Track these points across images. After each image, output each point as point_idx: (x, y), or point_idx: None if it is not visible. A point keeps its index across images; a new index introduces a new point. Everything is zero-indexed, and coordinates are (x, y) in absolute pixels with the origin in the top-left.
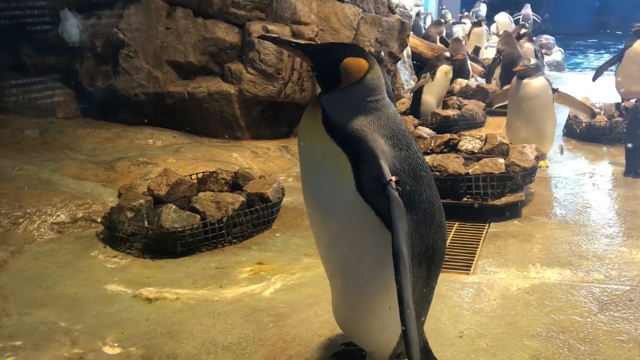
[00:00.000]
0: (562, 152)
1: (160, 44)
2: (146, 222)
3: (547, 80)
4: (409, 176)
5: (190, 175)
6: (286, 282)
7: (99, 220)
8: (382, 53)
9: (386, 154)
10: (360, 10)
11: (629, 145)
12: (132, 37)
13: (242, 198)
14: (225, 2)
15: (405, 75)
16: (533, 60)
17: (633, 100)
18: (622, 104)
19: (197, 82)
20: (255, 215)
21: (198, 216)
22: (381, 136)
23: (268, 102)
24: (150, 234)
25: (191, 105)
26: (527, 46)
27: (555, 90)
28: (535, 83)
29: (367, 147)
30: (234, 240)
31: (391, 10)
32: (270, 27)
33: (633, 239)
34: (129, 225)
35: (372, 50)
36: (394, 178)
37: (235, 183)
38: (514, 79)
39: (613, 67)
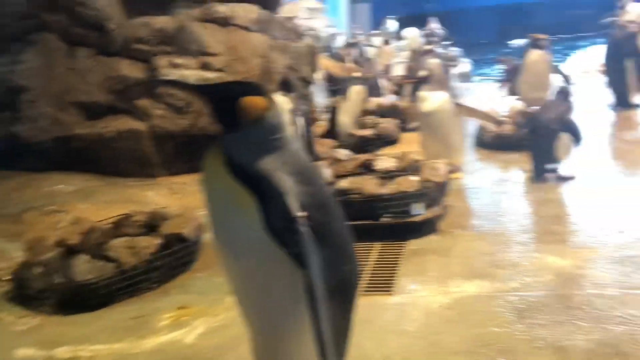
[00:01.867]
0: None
1: (63, 86)
2: (57, 276)
3: (450, 94)
4: (317, 211)
5: (104, 220)
6: (209, 325)
7: (5, 278)
8: (292, 79)
9: (292, 190)
10: (269, 38)
11: (533, 151)
12: (31, 82)
13: (158, 240)
14: (128, 39)
15: (320, 98)
16: (425, 73)
17: (535, 107)
18: (527, 111)
19: (105, 121)
20: (174, 257)
21: (112, 265)
22: (286, 173)
23: (182, 136)
24: (62, 289)
25: (101, 146)
26: (433, 62)
27: (458, 105)
28: (434, 98)
29: (272, 186)
30: (152, 286)
31: (299, 35)
32: (177, 60)
33: (545, 244)
34: (39, 281)
35: (283, 77)
36: (301, 214)
37: (152, 224)
38: (418, 95)
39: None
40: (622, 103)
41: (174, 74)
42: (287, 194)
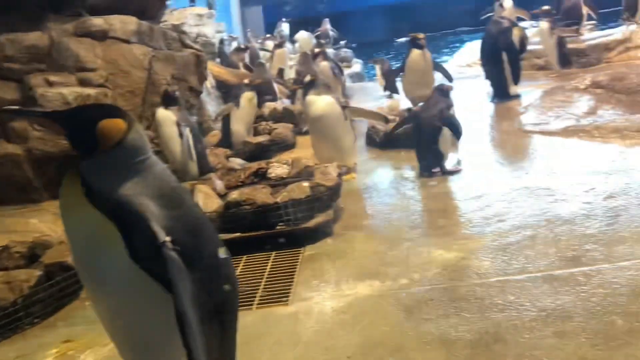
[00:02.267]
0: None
1: None
2: None
3: (342, 95)
4: (186, 234)
5: None
6: (97, 356)
7: None
8: (177, 92)
9: (156, 215)
10: (150, 49)
11: (417, 148)
12: None
13: (38, 272)
14: None
15: (213, 107)
16: (310, 77)
17: (420, 105)
18: (412, 109)
19: None
20: (57, 288)
21: None
22: (149, 198)
23: (64, 157)
24: None
25: None
26: (323, 64)
27: (345, 107)
28: (319, 102)
29: (134, 212)
30: (35, 321)
31: (184, 44)
32: (53, 78)
33: (430, 238)
34: None
35: (169, 88)
36: (168, 239)
37: (33, 254)
38: (305, 99)
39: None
40: (501, 95)
41: (47, 95)
42: (151, 219)
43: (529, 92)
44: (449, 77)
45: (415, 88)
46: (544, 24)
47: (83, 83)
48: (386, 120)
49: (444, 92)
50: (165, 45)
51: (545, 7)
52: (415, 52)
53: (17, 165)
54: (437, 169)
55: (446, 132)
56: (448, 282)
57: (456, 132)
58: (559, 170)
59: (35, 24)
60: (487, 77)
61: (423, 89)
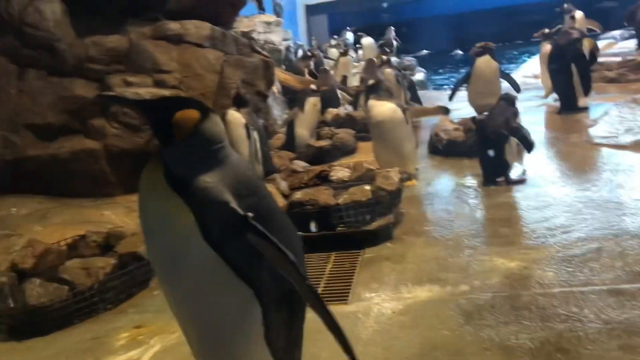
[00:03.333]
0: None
1: (14, 108)
2: (10, 301)
3: (398, 102)
4: (261, 221)
5: (59, 242)
6: (165, 343)
7: None
8: (247, 94)
9: (233, 201)
10: (222, 53)
11: (482, 156)
12: None
13: (113, 260)
14: (80, 59)
15: (278, 111)
16: (373, 81)
17: (485, 114)
18: (476, 118)
19: (59, 142)
20: (130, 276)
21: (66, 287)
22: (226, 185)
23: (138, 153)
24: (15, 314)
25: (55, 167)
26: (388, 71)
27: (405, 110)
28: (380, 107)
29: (211, 195)
30: (109, 306)
31: (254, 50)
32: (131, 79)
33: (493, 247)
34: None
35: (241, 91)
36: (250, 214)
37: (108, 244)
38: (367, 105)
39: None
40: (569, 107)
41: (125, 92)
42: (229, 201)
43: (598, 104)
44: (516, 87)
45: (480, 97)
46: None
47: (158, 84)
48: (447, 111)
49: (509, 101)
50: (236, 51)
51: None
52: (482, 60)
53: (95, 160)
54: (501, 179)
55: (512, 141)
56: (509, 291)
57: (526, 142)
58: (628, 184)
59: (116, 27)
60: (555, 89)
61: (488, 98)
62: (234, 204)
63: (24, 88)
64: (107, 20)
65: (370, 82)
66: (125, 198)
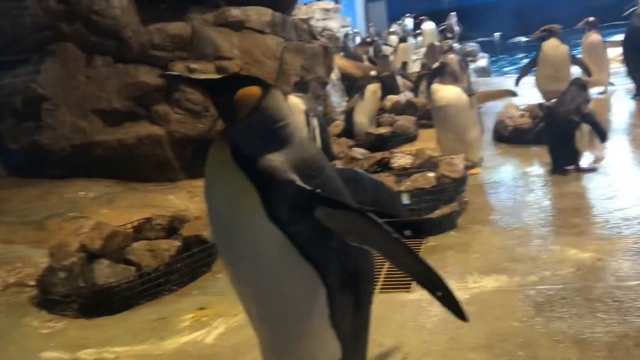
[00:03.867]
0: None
1: (83, 94)
2: (80, 281)
3: (462, 87)
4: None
5: (125, 224)
6: (229, 325)
7: (31, 284)
8: (307, 80)
9: (298, 179)
10: (283, 40)
11: (551, 144)
12: (52, 91)
13: (177, 243)
14: (144, 46)
15: (337, 98)
16: (439, 64)
17: (554, 100)
18: (545, 104)
19: (125, 128)
20: (193, 259)
21: (133, 268)
22: (291, 165)
23: (200, 140)
24: (85, 293)
25: (121, 152)
26: (450, 57)
27: (471, 95)
28: (445, 91)
29: (279, 175)
30: (173, 288)
31: (313, 36)
32: (193, 65)
33: (563, 237)
34: (62, 286)
35: (298, 78)
36: (317, 190)
37: (172, 227)
38: (431, 89)
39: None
40: None
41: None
42: (297, 180)
43: None
44: (587, 71)
45: (548, 82)
46: None
47: (220, 71)
48: (513, 94)
49: (581, 86)
50: (296, 37)
51: None
52: (549, 44)
53: (159, 145)
54: (571, 167)
55: (584, 128)
56: (582, 282)
57: (599, 130)
58: None
59: (179, 14)
60: (630, 74)
61: (557, 84)
62: (300, 182)
63: (91, 75)
64: (171, 8)
65: (436, 64)
66: (188, 183)
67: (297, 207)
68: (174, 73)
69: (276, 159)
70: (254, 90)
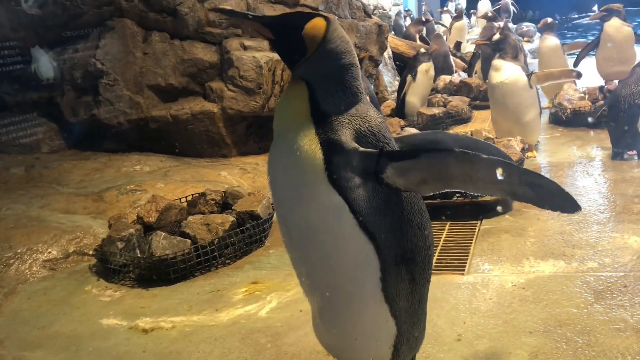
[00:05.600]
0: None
1: (140, 70)
2: (137, 252)
3: (522, 65)
4: None
5: (180, 198)
6: (281, 299)
7: (91, 253)
8: (361, 58)
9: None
10: (336, 17)
11: (613, 128)
12: (110, 66)
13: (231, 218)
14: (200, 22)
15: (388, 77)
16: (497, 36)
17: (615, 82)
18: (605, 86)
19: (179, 103)
20: (247, 234)
21: (189, 241)
22: (357, 131)
23: (253, 117)
24: (142, 263)
25: (176, 128)
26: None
27: (530, 75)
28: (504, 68)
29: (345, 140)
30: (227, 261)
31: (367, 14)
32: (247, 42)
33: (624, 224)
34: (121, 256)
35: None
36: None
37: (225, 202)
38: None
39: (594, 50)
40: None
41: (242, 57)
42: (357, 149)
43: None
44: None
45: (611, 64)
46: None
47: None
48: (578, 76)
49: None
50: (350, 15)
51: None
52: (611, 25)
53: (213, 122)
54: (633, 152)
55: None
56: None
57: None
58: None
59: None
60: None
61: (620, 66)
62: (364, 149)
63: (148, 50)
64: None
65: (496, 37)
66: (240, 160)
67: (360, 174)
68: (230, 9)
69: (345, 124)
70: (320, 22)
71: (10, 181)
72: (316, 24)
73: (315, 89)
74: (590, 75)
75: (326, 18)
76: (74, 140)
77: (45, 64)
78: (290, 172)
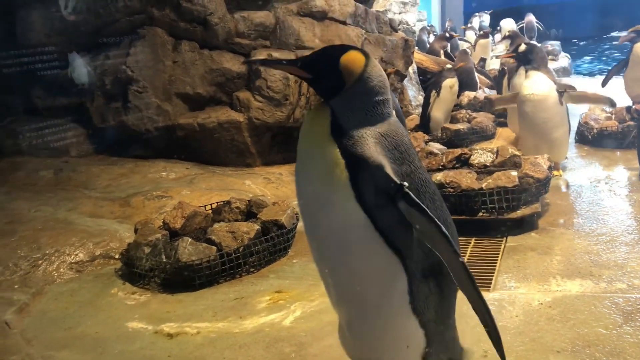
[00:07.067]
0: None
1: (168, 78)
2: (163, 257)
3: (554, 78)
4: (413, 192)
5: (205, 206)
6: (306, 309)
7: (116, 257)
8: (387, 73)
9: (388, 166)
10: (364, 31)
11: (639, 148)
12: (140, 73)
13: (257, 226)
14: (229, 33)
15: (413, 92)
16: (523, 47)
17: None
18: (633, 107)
19: (206, 112)
20: (271, 243)
21: (214, 247)
22: (384, 148)
23: (277, 127)
24: (168, 269)
25: (202, 136)
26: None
27: (563, 92)
28: (534, 80)
29: (370, 156)
30: (251, 270)
31: (394, 28)
32: (275, 54)
33: None
34: (147, 260)
35: (387, 69)
36: (405, 183)
37: (250, 211)
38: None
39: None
40: None
41: (267, 70)
42: (385, 166)
43: None
44: None
45: (637, 85)
46: None
47: None
48: (613, 104)
49: None
50: (377, 29)
51: None
52: None
53: (239, 131)
54: None
55: None
56: None
57: None
58: None
59: (264, 3)
60: None
61: None
62: (389, 170)
63: (177, 59)
64: None
65: (522, 47)
66: (264, 169)
67: (383, 194)
68: (263, 58)
69: (370, 141)
70: (358, 56)
71: (39, 184)
72: (354, 57)
73: (340, 119)
74: (618, 96)
75: (364, 53)
76: (102, 145)
77: (81, 69)
78: (315, 187)
